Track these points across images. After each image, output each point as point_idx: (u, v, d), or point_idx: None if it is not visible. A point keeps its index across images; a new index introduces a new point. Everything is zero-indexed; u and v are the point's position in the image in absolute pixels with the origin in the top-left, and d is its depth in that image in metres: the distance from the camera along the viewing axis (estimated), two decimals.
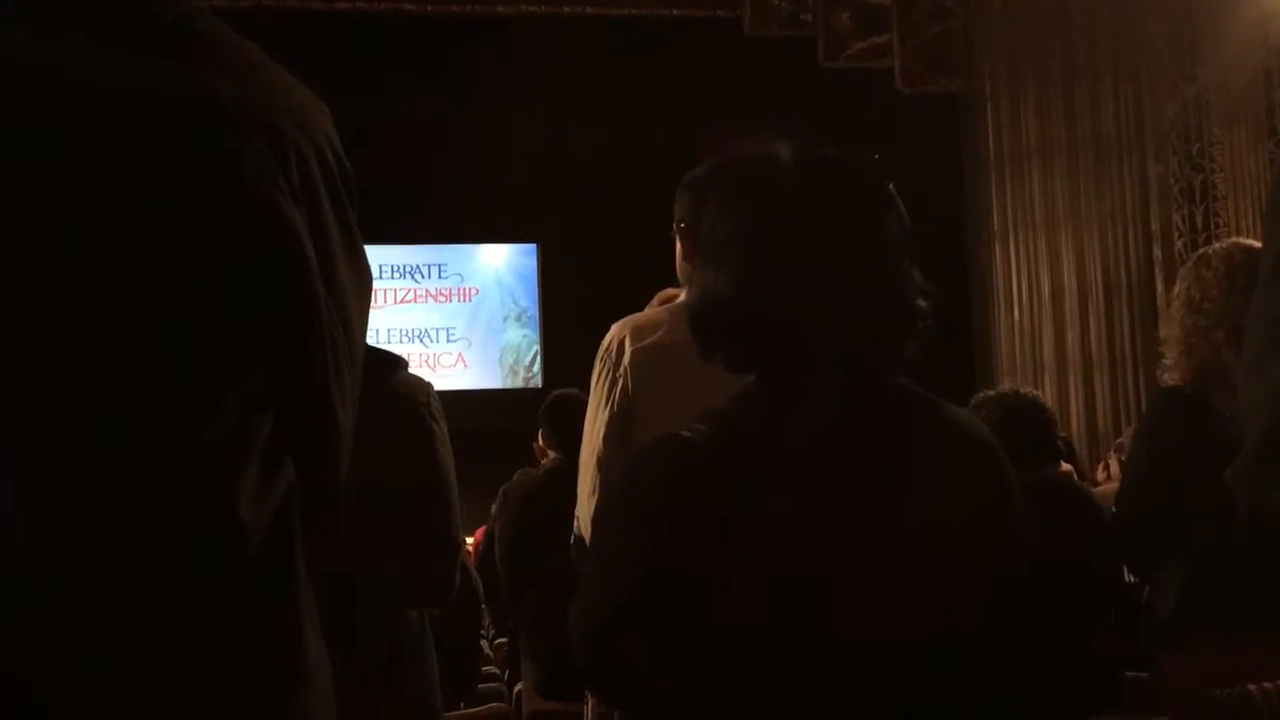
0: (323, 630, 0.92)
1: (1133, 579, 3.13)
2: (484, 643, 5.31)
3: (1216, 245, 2.38)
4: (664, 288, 2.30)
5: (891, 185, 1.28)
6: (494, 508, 5.29)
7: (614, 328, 2.15)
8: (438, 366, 9.87)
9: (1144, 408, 6.93)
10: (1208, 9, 6.84)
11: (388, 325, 9.75)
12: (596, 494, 2.01)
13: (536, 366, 10.24)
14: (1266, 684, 1.79)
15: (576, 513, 2.21)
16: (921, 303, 1.25)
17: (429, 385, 2.09)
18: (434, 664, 2.07)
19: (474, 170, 8.53)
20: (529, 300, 10.30)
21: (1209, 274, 2.24)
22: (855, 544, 1.16)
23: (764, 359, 1.24)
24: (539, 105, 8.18)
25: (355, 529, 1.31)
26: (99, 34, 0.84)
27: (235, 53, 0.89)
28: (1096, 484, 4.63)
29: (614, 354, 2.08)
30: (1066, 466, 3.04)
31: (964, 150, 7.95)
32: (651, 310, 2.19)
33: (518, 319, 10.32)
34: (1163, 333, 2.39)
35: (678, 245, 2.15)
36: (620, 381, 2.05)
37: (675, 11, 7.39)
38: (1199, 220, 7.10)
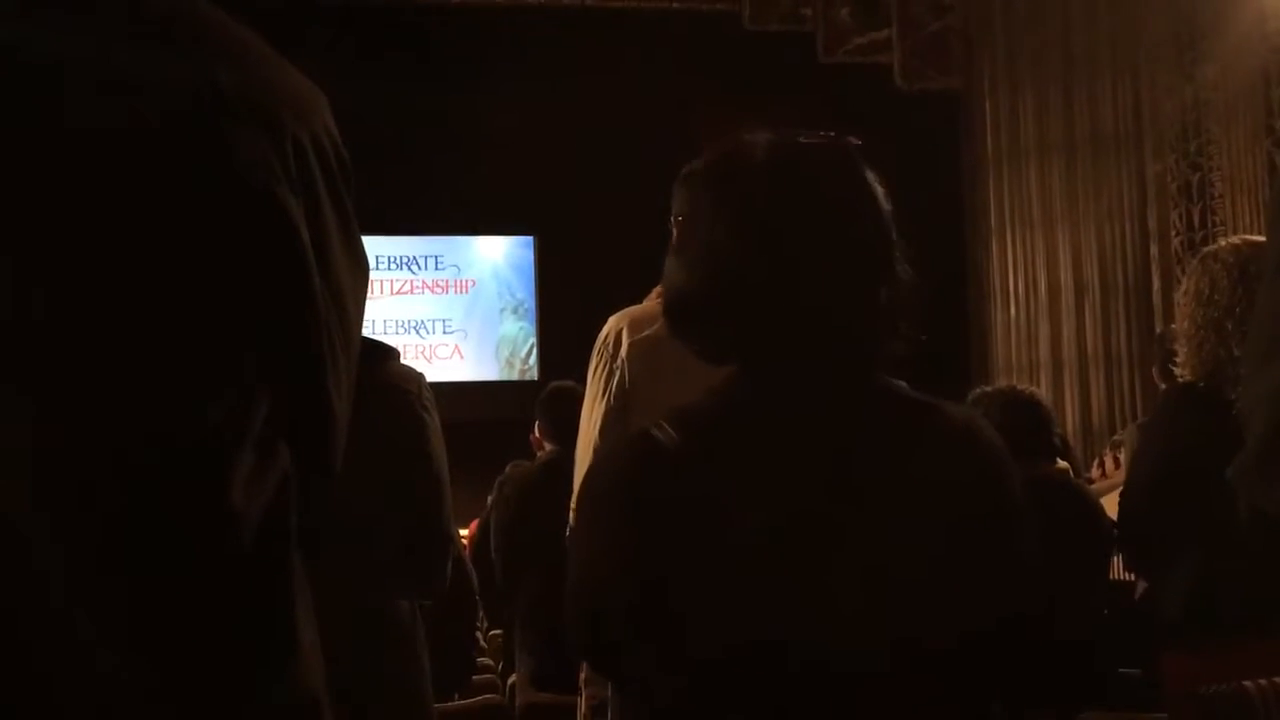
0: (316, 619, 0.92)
1: (1129, 576, 3.13)
2: (478, 634, 5.31)
3: (1224, 241, 2.38)
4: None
5: (869, 170, 1.22)
6: (489, 499, 5.30)
7: (611, 320, 2.14)
8: (434, 358, 9.86)
9: (1140, 406, 6.95)
10: (1207, 8, 6.84)
11: (384, 316, 9.74)
12: None
13: (533, 359, 10.23)
14: (1263, 680, 1.78)
15: (572, 504, 2.21)
16: (906, 297, 1.20)
17: (420, 375, 2.08)
18: (425, 655, 2.07)
19: (472, 162, 8.52)
20: (526, 292, 10.29)
21: (1217, 266, 2.24)
22: (825, 563, 1.11)
23: (731, 351, 1.20)
24: (538, 97, 8.16)
25: (345, 519, 1.31)
26: (92, 19, 0.83)
27: (234, 40, 0.88)
28: (1091, 481, 4.63)
29: (611, 346, 2.08)
30: (1063, 463, 3.04)
31: (962, 146, 7.96)
32: (649, 303, 2.19)
33: (514, 311, 10.31)
34: (1175, 330, 2.38)
35: (674, 238, 2.15)
36: (617, 374, 2.05)
37: (676, 4, 7.39)
38: (1196, 219, 7.10)
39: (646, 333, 2.05)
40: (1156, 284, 7.28)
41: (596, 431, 2.06)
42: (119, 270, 0.81)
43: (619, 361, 2.06)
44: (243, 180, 0.83)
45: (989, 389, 3.22)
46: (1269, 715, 1.77)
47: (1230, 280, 2.20)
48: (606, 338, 2.11)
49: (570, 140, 8.34)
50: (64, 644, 0.79)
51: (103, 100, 0.81)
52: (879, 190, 1.22)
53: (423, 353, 9.82)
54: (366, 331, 1.13)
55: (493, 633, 5.69)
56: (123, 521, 0.81)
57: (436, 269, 10.23)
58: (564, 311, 9.04)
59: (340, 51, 6.57)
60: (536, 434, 4.12)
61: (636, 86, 7.72)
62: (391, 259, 9.98)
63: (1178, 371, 2.32)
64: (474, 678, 4.23)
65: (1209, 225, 6.98)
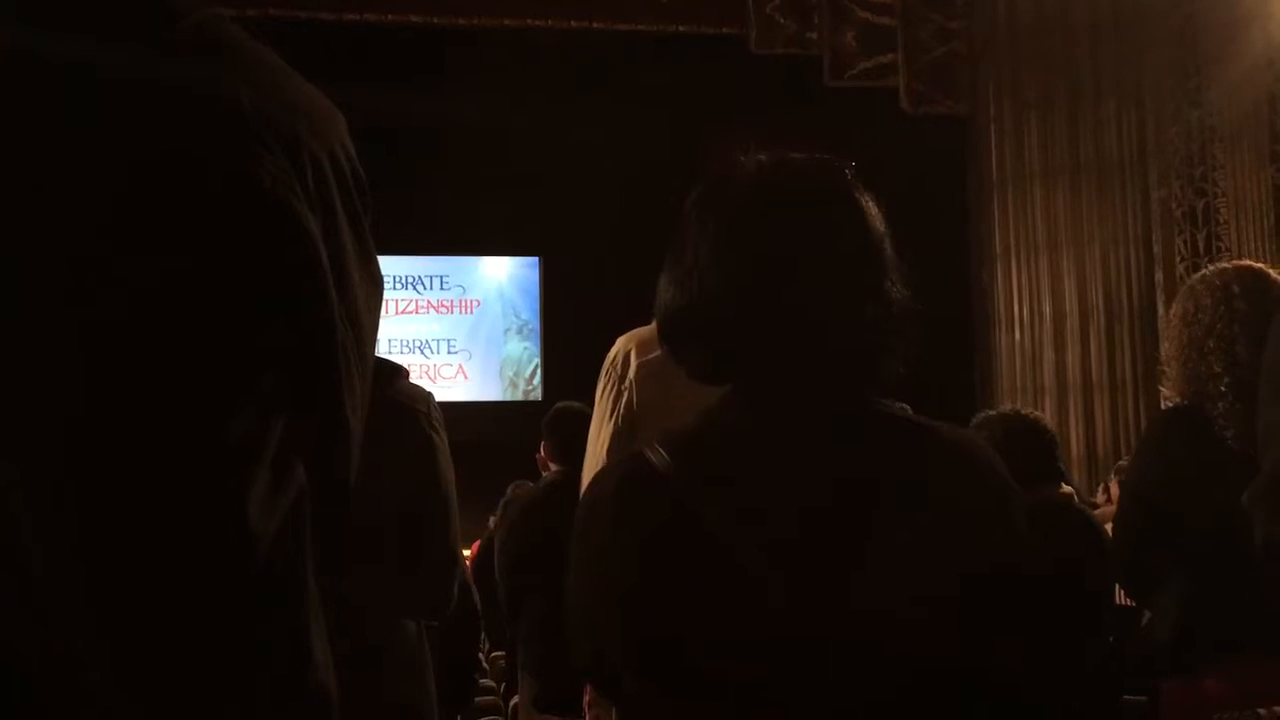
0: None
1: (1130, 602, 3.12)
2: (480, 656, 5.30)
3: (1213, 266, 2.42)
4: None
5: (859, 191, 1.20)
6: (492, 520, 5.29)
7: (619, 341, 2.14)
8: (438, 378, 9.87)
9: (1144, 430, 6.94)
10: (1213, 34, 6.87)
11: (389, 335, 9.75)
12: None
13: (536, 379, 10.24)
14: (1277, 707, 1.78)
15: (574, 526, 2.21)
16: (898, 316, 1.17)
17: (429, 395, 2.08)
18: (430, 677, 2.06)
19: (477, 183, 8.55)
20: (530, 313, 10.30)
21: (1202, 287, 2.29)
22: (822, 587, 1.09)
23: (717, 371, 1.19)
24: (544, 118, 8.20)
25: (354, 539, 1.30)
26: (115, 38, 0.84)
27: (253, 58, 0.89)
28: (1095, 506, 4.62)
29: (619, 367, 2.08)
30: (1067, 488, 3.03)
31: (967, 171, 7.97)
32: None
33: (519, 331, 10.33)
34: (1163, 353, 2.41)
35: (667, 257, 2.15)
36: (625, 395, 2.05)
37: (681, 28, 7.41)
38: (1201, 244, 7.11)
39: (655, 354, 2.05)
40: (1161, 309, 7.27)
41: (604, 452, 2.06)
42: (139, 284, 0.82)
43: (627, 383, 2.06)
44: (263, 198, 0.84)
45: (993, 413, 3.22)
46: None
47: (1213, 299, 2.23)
48: (615, 359, 2.11)
49: (576, 162, 8.37)
50: (71, 669, 0.79)
51: (122, 115, 0.82)
52: (870, 210, 1.20)
53: (427, 373, 9.83)
54: None
55: (494, 654, 5.68)
56: (137, 540, 0.81)
57: (442, 289, 10.25)
58: (568, 332, 9.06)
59: (347, 72, 6.60)
60: (542, 453, 4.11)
61: (642, 109, 7.75)
62: (397, 279, 10.00)
63: (1164, 392, 2.35)
64: (476, 699, 4.22)
65: (1214, 250, 6.99)
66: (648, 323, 2.31)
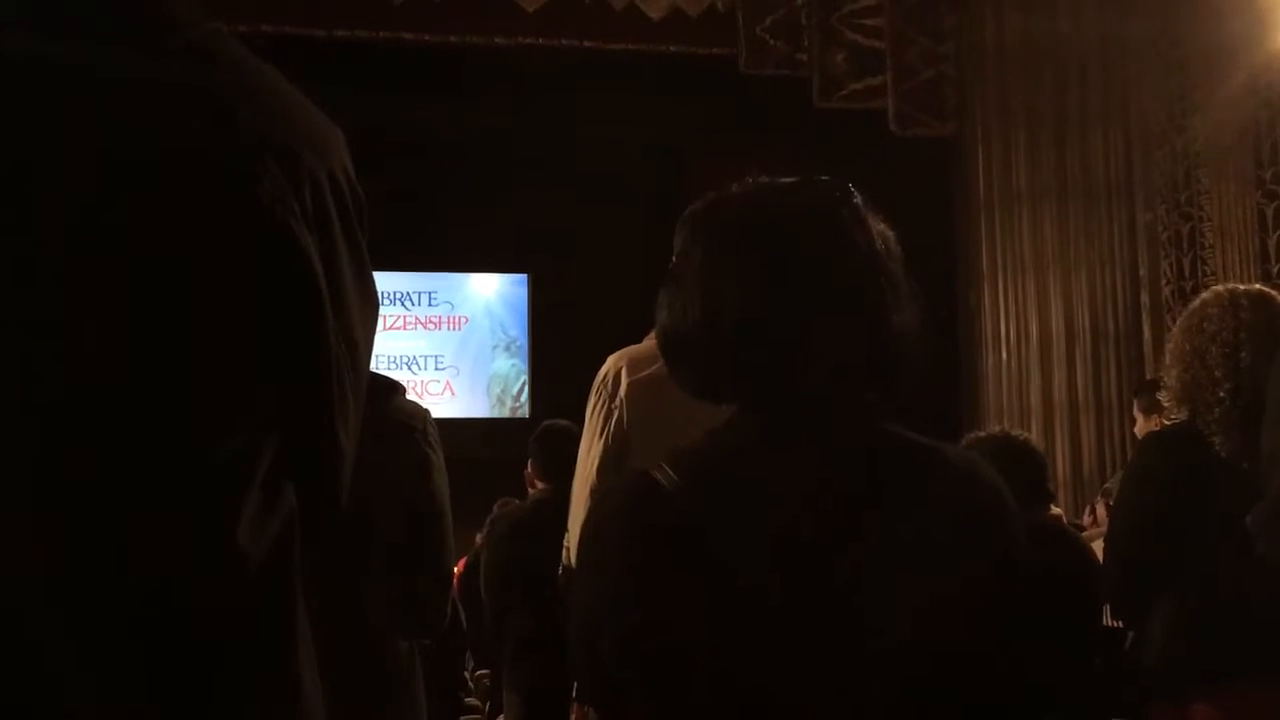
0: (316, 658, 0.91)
1: (1118, 624, 3.13)
2: (465, 675, 5.26)
3: (1224, 285, 2.48)
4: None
5: (861, 211, 1.20)
6: (478, 537, 5.26)
7: (610, 359, 2.14)
8: (425, 394, 9.84)
9: (1130, 453, 6.96)
10: (1199, 59, 6.92)
11: (376, 351, 9.59)
12: None
13: (524, 397, 10.21)
14: None
15: (565, 543, 2.20)
16: (901, 338, 1.17)
17: (426, 412, 2.07)
18: (422, 695, 2.05)
19: (466, 199, 8.54)
20: (518, 330, 10.29)
21: (1210, 298, 2.34)
22: (829, 608, 1.10)
23: (712, 388, 1.20)
24: (534, 135, 8.21)
25: (348, 557, 1.29)
26: (115, 54, 0.84)
27: (253, 75, 0.89)
28: (1082, 529, 4.63)
29: (610, 385, 2.08)
30: (1057, 510, 3.04)
31: (955, 192, 8.00)
32: (649, 342, 2.19)
33: (507, 348, 10.31)
34: (1166, 359, 2.44)
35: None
36: (616, 413, 2.05)
37: (672, 48, 7.43)
38: (1186, 268, 7.14)
39: (646, 372, 2.05)
40: (1147, 333, 7.31)
41: (594, 470, 2.05)
42: (127, 298, 0.81)
43: (618, 401, 2.06)
44: (262, 220, 0.83)
45: (983, 434, 3.22)
46: None
47: (1220, 310, 2.27)
48: (606, 376, 2.11)
49: (565, 179, 8.37)
50: (59, 686, 0.78)
51: (119, 131, 0.81)
52: (872, 230, 1.20)
53: (414, 389, 9.77)
54: None
55: (479, 673, 5.64)
56: (124, 563, 0.80)
57: (429, 305, 10.23)
58: (556, 350, 9.05)
59: (336, 89, 6.60)
60: (530, 470, 4.10)
61: (632, 127, 7.76)
62: (384, 294, 9.89)
63: (1163, 399, 2.38)
64: (461, 718, 4.19)
65: (1199, 275, 7.03)
66: (638, 341, 2.31)
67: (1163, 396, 2.38)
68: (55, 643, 0.78)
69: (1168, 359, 2.37)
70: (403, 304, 10.14)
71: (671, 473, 1.14)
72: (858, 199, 1.23)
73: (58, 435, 0.79)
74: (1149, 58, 7.24)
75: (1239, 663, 2.09)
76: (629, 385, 2.06)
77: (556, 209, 8.49)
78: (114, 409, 0.80)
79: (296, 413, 0.88)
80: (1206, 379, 2.21)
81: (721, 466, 1.17)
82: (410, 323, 10.15)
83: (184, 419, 0.82)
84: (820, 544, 1.12)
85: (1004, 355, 7.60)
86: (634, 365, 2.08)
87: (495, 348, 10.29)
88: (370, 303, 0.95)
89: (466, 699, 4.98)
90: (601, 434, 2.06)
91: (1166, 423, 2.41)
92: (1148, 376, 6.40)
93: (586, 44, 7.36)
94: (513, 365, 10.29)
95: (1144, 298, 7.37)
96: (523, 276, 10.31)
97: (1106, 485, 5.98)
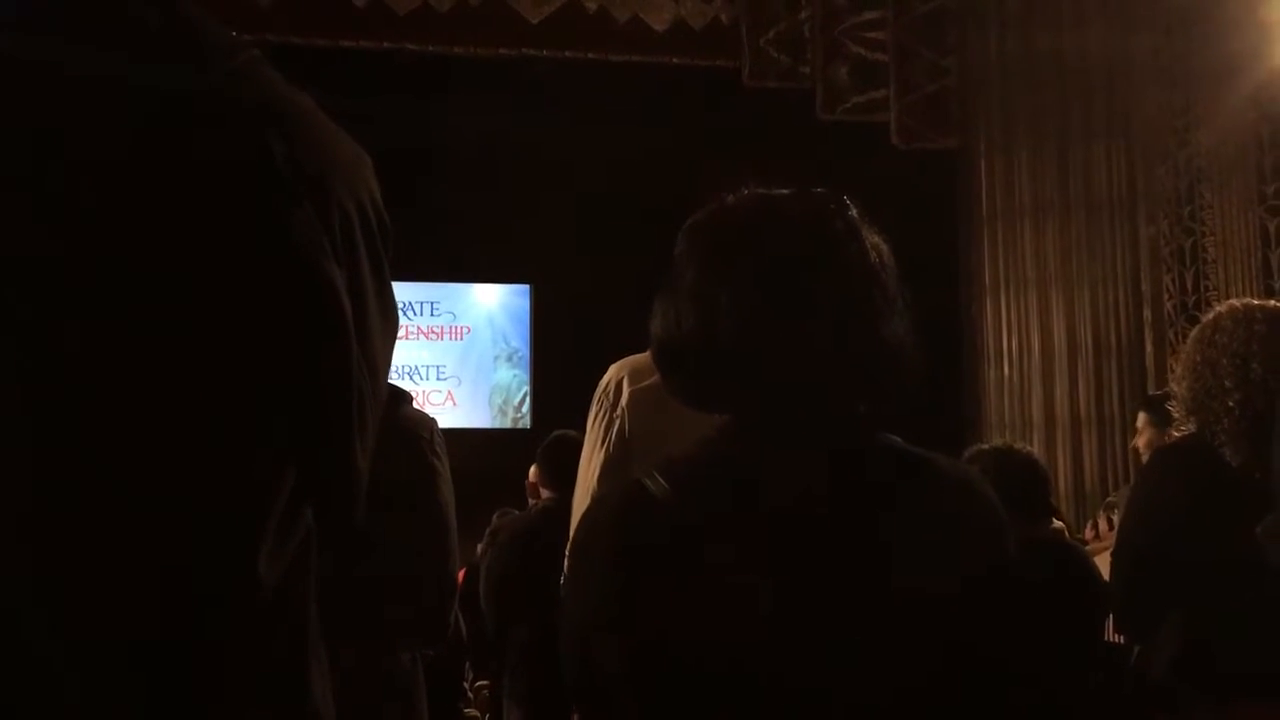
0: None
1: (1119, 639, 3.12)
2: (464, 685, 5.25)
3: (1232, 300, 2.48)
4: None
5: (856, 224, 1.20)
6: (479, 547, 5.26)
7: (612, 369, 2.14)
8: (427, 404, 9.83)
9: (1132, 467, 6.94)
10: (1202, 74, 6.93)
11: None
12: None
13: (526, 407, 10.21)
14: None
15: (567, 551, 2.20)
16: (897, 350, 1.17)
17: (433, 421, 2.07)
18: (425, 705, 2.04)
19: (469, 209, 8.55)
20: (520, 340, 10.29)
21: (1224, 311, 2.35)
22: (822, 618, 1.09)
23: (704, 399, 1.20)
24: (536, 146, 8.22)
25: (353, 567, 1.29)
26: (155, 74, 0.83)
27: (287, 104, 0.88)
28: (1085, 543, 4.62)
29: (611, 395, 2.08)
30: (1059, 524, 3.03)
31: (957, 206, 8.01)
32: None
33: (509, 359, 10.31)
34: (1174, 381, 2.44)
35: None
36: (617, 423, 2.05)
37: (675, 60, 7.45)
38: (1189, 283, 7.14)
39: (647, 382, 2.05)
40: (1149, 347, 7.31)
41: (595, 479, 2.05)
42: (155, 334, 0.81)
43: (619, 410, 2.06)
44: (290, 254, 0.83)
45: (985, 446, 3.22)
46: None
47: (1234, 321, 2.27)
48: (607, 386, 2.11)
49: (568, 190, 8.38)
50: (55, 690, 0.78)
51: (156, 168, 0.81)
52: (867, 242, 1.20)
53: (416, 399, 9.78)
54: None
55: (479, 684, 5.63)
56: (147, 592, 0.80)
57: (432, 315, 10.24)
58: (558, 360, 9.04)
59: (337, 96, 6.60)
60: (532, 479, 4.10)
61: (635, 139, 7.77)
62: None
63: (1172, 410, 2.38)
64: None
65: (1201, 289, 7.03)
66: (639, 351, 2.31)
67: (1172, 406, 2.39)
68: (44, 644, 0.77)
69: (1179, 370, 2.38)
70: (405, 314, 10.14)
71: (662, 481, 1.15)
72: (852, 210, 1.23)
73: (96, 476, 0.79)
74: (1152, 72, 7.24)
75: (1248, 677, 2.08)
76: (630, 395, 2.06)
77: (559, 220, 8.50)
78: (137, 446, 0.80)
79: (317, 440, 0.88)
80: (1216, 389, 2.21)
81: (712, 474, 1.17)
82: (412, 333, 10.16)
83: (205, 453, 0.82)
84: (811, 551, 1.12)
85: (1006, 369, 7.60)
86: (635, 375, 2.08)
87: (497, 358, 10.30)
88: (390, 319, 0.96)
89: (466, 710, 4.96)
90: (603, 443, 2.06)
91: (1176, 434, 2.41)
92: (1150, 391, 6.40)
93: (590, 56, 7.38)
94: (514, 376, 10.29)
95: (1146, 312, 7.36)
96: (525, 287, 10.32)
97: (1109, 499, 5.97)
